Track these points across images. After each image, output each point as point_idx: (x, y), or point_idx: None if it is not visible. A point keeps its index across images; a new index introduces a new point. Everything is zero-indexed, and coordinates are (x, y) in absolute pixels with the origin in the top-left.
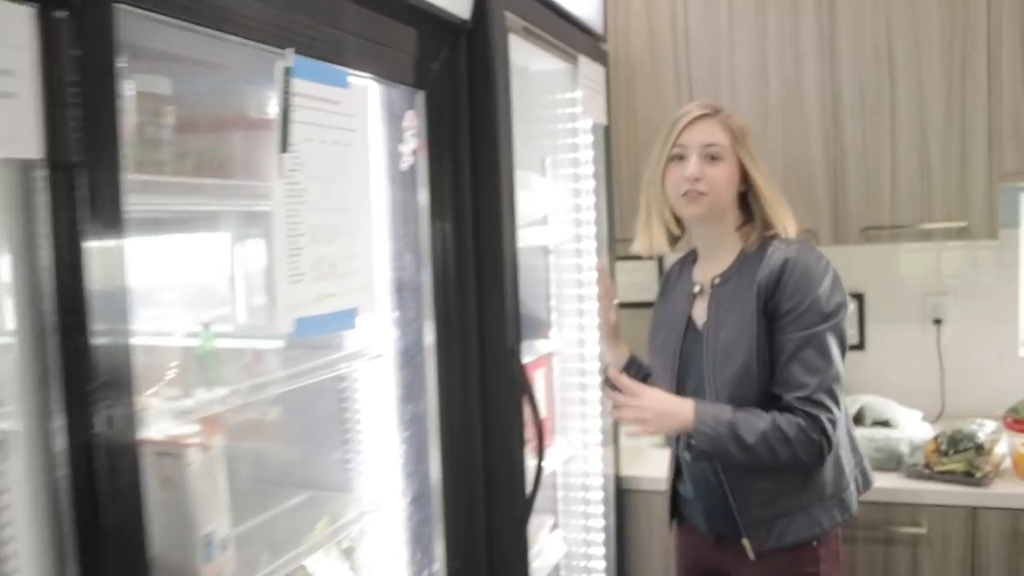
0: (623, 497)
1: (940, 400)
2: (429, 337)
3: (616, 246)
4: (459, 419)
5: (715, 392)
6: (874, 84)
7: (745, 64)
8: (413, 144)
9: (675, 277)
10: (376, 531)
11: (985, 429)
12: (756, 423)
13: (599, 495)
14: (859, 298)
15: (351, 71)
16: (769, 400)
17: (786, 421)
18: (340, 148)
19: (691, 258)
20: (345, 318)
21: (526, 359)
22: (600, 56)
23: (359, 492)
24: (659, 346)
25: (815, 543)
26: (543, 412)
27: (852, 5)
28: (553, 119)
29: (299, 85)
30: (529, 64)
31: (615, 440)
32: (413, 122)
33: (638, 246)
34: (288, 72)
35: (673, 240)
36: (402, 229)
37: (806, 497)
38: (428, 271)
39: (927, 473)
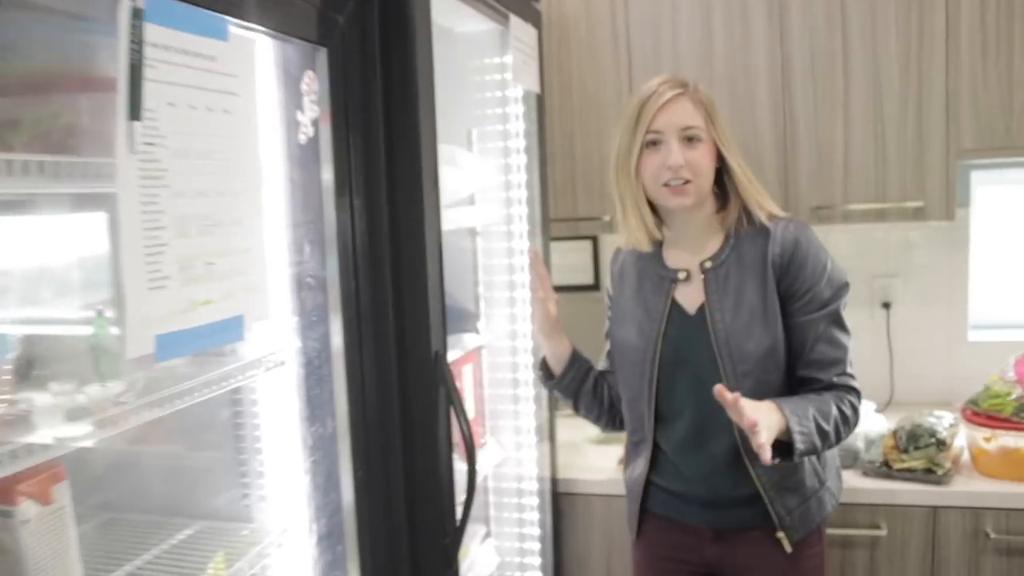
0: (560, 501)
1: (889, 387)
2: (338, 340)
3: (550, 226)
4: (375, 436)
5: (734, 378)
6: (826, 53)
7: (689, 27)
8: (314, 112)
9: (634, 267)
10: (281, 569)
11: (943, 422)
12: (826, 409)
13: (534, 500)
14: None
15: (232, 19)
16: (792, 383)
17: (843, 401)
18: (218, 116)
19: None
20: (229, 329)
21: (452, 356)
22: (532, 16)
23: (260, 523)
24: (627, 337)
25: (819, 526)
26: (472, 413)
27: None
28: (481, 87)
29: (156, 33)
30: (454, 24)
31: (551, 437)
32: (314, 85)
33: (622, 241)
34: (137, 16)
35: (651, 236)
36: (302, 215)
37: (819, 478)
38: (335, 264)
39: (886, 471)
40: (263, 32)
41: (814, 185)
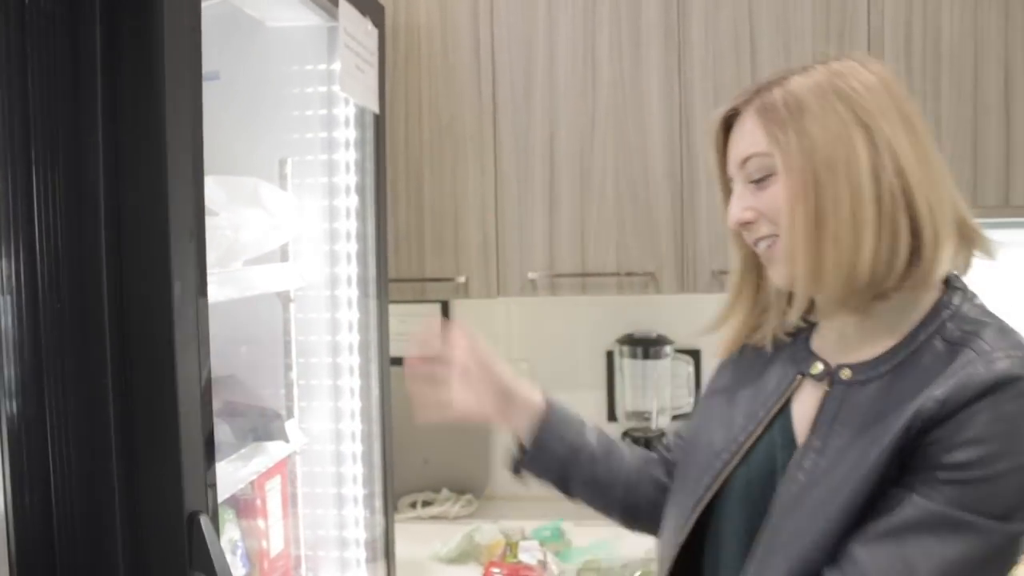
0: None
1: None
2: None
3: (388, 288)
4: None
5: (766, 553)
6: (733, 86)
7: (568, 47)
8: None
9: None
10: None
11: None
12: None
13: None
14: (695, 355)
15: None
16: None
17: None
18: None
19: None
20: None
21: (248, 472)
22: (373, 10)
23: None
24: (704, 429)
25: None
26: (279, 544)
27: None
28: (301, 102)
29: None
30: (265, 15)
31: (387, 554)
32: None
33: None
34: None
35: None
36: None
37: None
38: None
39: None
40: None
41: (716, 245)
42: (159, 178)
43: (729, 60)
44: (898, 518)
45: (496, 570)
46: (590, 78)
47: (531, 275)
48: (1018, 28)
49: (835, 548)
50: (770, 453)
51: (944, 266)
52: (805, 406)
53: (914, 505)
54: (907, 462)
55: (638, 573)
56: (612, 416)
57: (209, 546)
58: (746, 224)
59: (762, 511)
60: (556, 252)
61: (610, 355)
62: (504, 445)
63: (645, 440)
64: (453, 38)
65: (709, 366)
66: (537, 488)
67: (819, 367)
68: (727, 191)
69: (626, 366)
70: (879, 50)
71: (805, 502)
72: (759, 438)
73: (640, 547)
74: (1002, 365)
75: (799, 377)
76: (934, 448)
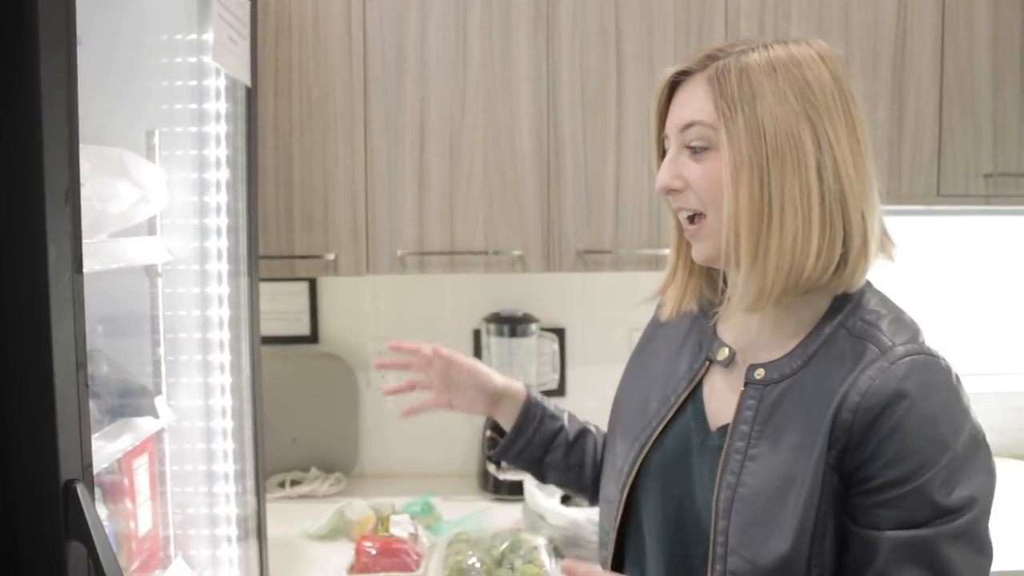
0: None
1: None
2: None
3: (258, 264)
4: None
5: (724, 559)
6: (599, 70)
7: (440, 27)
8: None
9: (675, 318)
10: None
11: None
12: None
13: None
14: (560, 334)
15: None
16: None
17: None
18: None
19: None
20: None
21: (115, 448)
22: None
23: None
24: (630, 410)
25: None
26: (147, 524)
27: None
28: (169, 72)
29: None
30: None
31: (259, 534)
32: None
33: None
34: None
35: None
36: None
37: None
38: None
39: None
40: None
41: (582, 225)
42: (35, 139)
43: (596, 44)
44: (874, 569)
45: (368, 544)
46: (461, 58)
47: (400, 252)
48: (855, 30)
49: (794, 556)
50: (684, 436)
51: (865, 275)
52: (718, 395)
53: (882, 544)
54: (845, 480)
55: (507, 543)
56: None
57: (86, 514)
58: (672, 192)
59: (676, 488)
60: (425, 230)
61: (477, 333)
62: (369, 422)
63: None
64: (325, 14)
65: (574, 343)
66: (405, 466)
67: (725, 352)
68: (661, 153)
69: (493, 344)
70: (736, 34)
71: (752, 507)
72: (671, 420)
73: (510, 518)
74: (902, 368)
75: (707, 363)
76: (862, 473)
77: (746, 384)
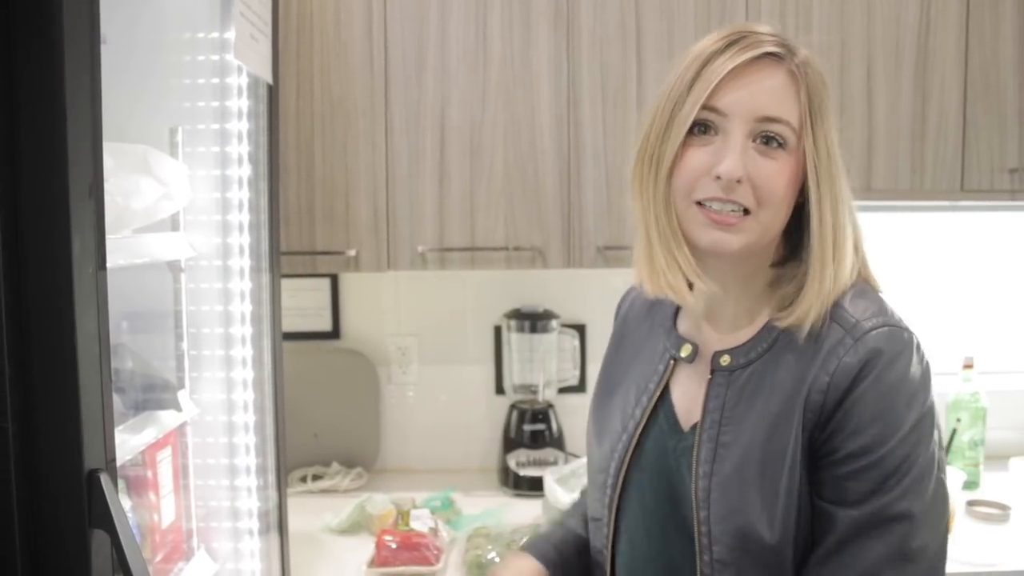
0: None
1: None
2: None
3: (280, 261)
4: None
5: (710, 566)
6: (619, 66)
7: (460, 26)
8: None
9: (637, 315)
10: None
11: None
12: None
13: None
14: (580, 330)
15: None
16: None
17: None
18: None
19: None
20: None
21: (140, 441)
22: None
23: None
24: (604, 424)
25: None
26: (170, 516)
27: None
28: (192, 70)
29: None
30: None
31: (280, 528)
32: None
33: (636, 280)
34: None
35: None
36: None
37: None
38: None
39: None
40: None
41: (602, 221)
42: (59, 133)
43: (615, 40)
44: (833, 538)
45: (388, 538)
46: (481, 55)
47: (421, 249)
48: (877, 24)
49: (781, 547)
50: (659, 442)
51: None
52: (686, 392)
53: (841, 520)
54: (813, 453)
55: (526, 538)
56: (500, 389)
57: (110, 503)
58: (732, 182)
59: (663, 493)
60: (446, 226)
61: (498, 329)
62: (390, 418)
63: (532, 412)
64: (346, 12)
65: (594, 340)
66: (425, 461)
67: (688, 349)
68: (689, 130)
69: (513, 340)
70: None
71: (729, 494)
72: (644, 430)
73: (529, 514)
74: (868, 342)
75: (672, 363)
76: (828, 446)
77: (712, 372)
